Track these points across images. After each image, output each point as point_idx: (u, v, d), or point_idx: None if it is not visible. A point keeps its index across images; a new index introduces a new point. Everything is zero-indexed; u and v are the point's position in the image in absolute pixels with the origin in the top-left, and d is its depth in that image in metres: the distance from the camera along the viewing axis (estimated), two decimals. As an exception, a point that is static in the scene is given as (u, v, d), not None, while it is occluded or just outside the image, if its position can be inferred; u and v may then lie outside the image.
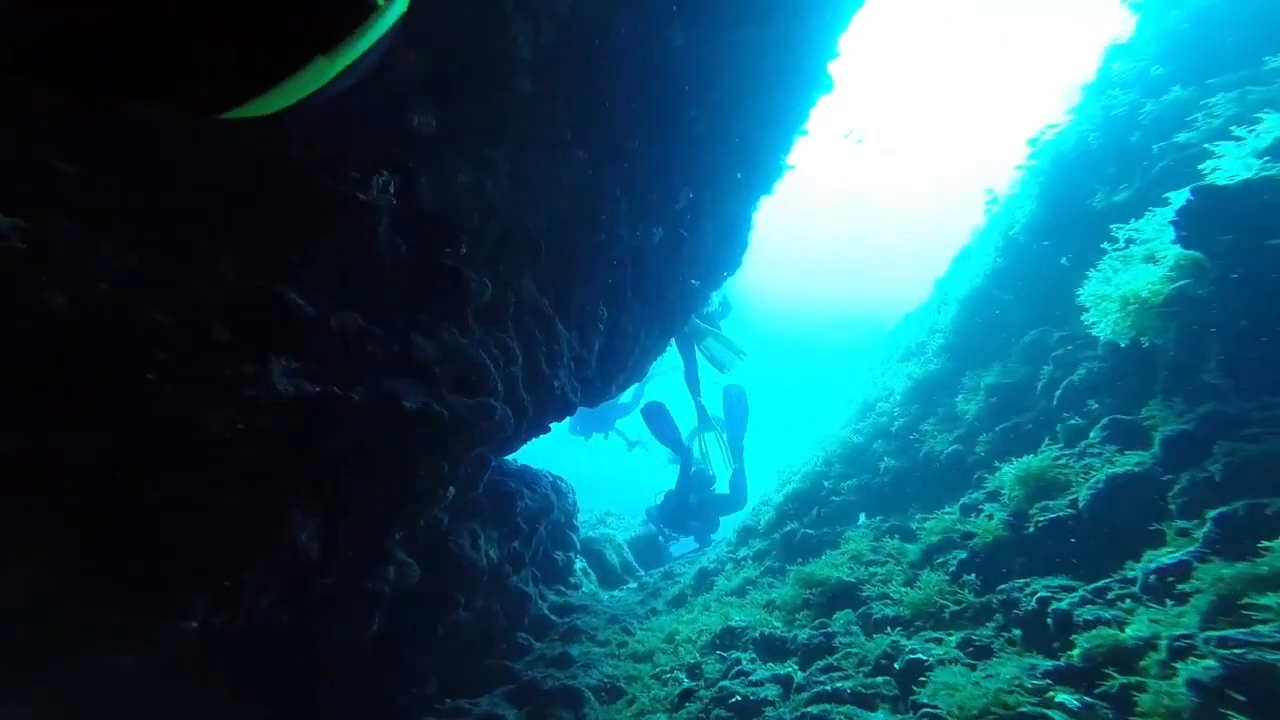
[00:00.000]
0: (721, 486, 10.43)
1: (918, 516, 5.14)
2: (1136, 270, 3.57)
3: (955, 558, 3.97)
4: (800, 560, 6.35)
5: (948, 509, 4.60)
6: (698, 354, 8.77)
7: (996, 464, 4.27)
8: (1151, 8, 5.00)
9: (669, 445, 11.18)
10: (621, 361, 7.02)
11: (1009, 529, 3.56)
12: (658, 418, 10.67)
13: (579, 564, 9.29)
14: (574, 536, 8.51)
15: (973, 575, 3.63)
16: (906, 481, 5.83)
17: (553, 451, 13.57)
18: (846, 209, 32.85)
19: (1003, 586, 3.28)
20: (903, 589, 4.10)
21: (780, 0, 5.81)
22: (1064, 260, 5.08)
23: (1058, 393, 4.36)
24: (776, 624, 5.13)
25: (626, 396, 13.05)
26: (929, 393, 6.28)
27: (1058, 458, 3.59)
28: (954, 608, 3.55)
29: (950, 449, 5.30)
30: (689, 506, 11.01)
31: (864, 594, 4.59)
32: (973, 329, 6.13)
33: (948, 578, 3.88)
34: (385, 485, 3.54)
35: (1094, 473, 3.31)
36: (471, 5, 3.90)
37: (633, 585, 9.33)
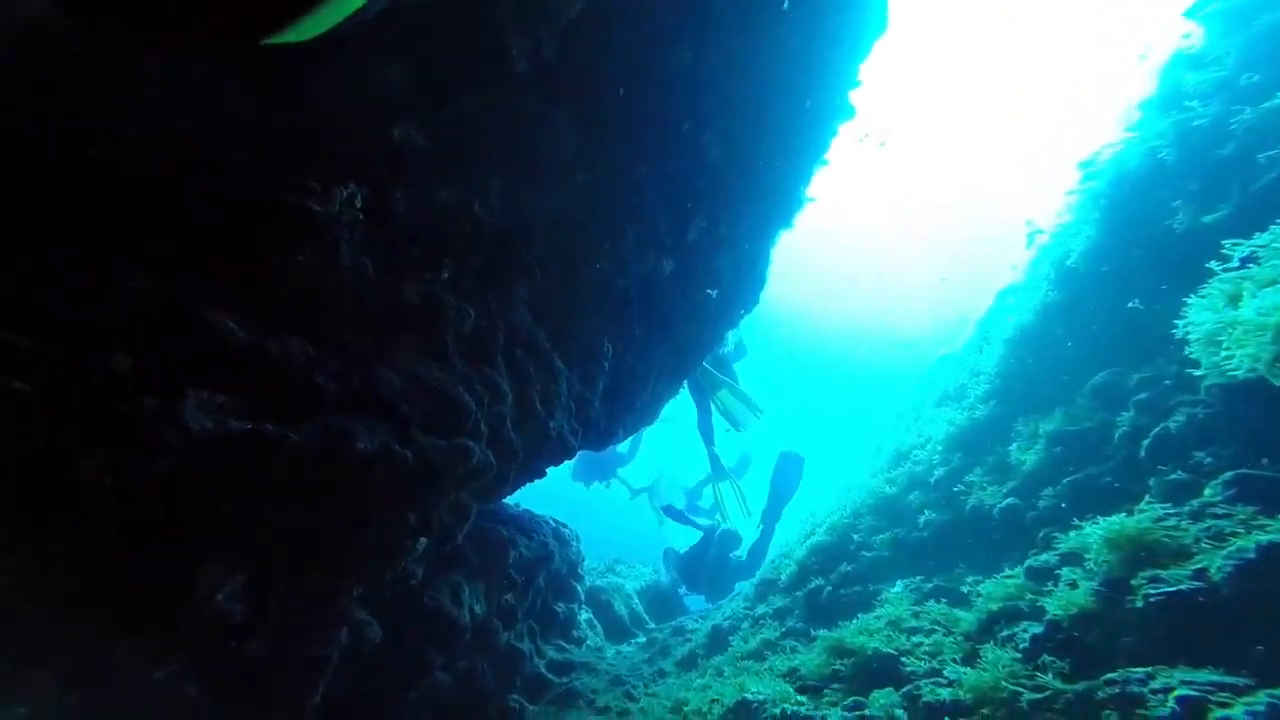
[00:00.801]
0: (744, 548, 9.67)
1: (969, 579, 4.34)
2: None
3: (1026, 631, 3.18)
4: (827, 623, 5.53)
5: (1008, 571, 3.82)
6: (712, 405, 8.13)
7: (1073, 521, 3.51)
8: (1227, 16, 4.44)
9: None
10: (629, 403, 6.42)
11: (1100, 600, 2.79)
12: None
13: (584, 615, 8.51)
14: (578, 587, 7.76)
15: (1055, 655, 2.86)
16: (951, 538, 5.03)
17: (570, 493, 12.92)
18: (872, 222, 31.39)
19: (1111, 676, 2.49)
20: (959, 667, 3.31)
21: (798, 20, 5.41)
22: (1135, 299, 4.39)
23: (1146, 442, 3.62)
24: (801, 700, 4.33)
25: (623, 446, 12.42)
26: (974, 441, 5.52)
27: (1162, 518, 2.84)
28: (1034, 695, 2.76)
29: (1004, 503, 4.52)
30: (708, 563, 10.22)
31: (907, 669, 3.79)
32: (1023, 371, 5.41)
33: (1019, 655, 3.09)
34: (335, 536, 2.96)
35: (1231, 540, 2.56)
36: (463, 12, 3.52)
37: (641, 639, 8.49)
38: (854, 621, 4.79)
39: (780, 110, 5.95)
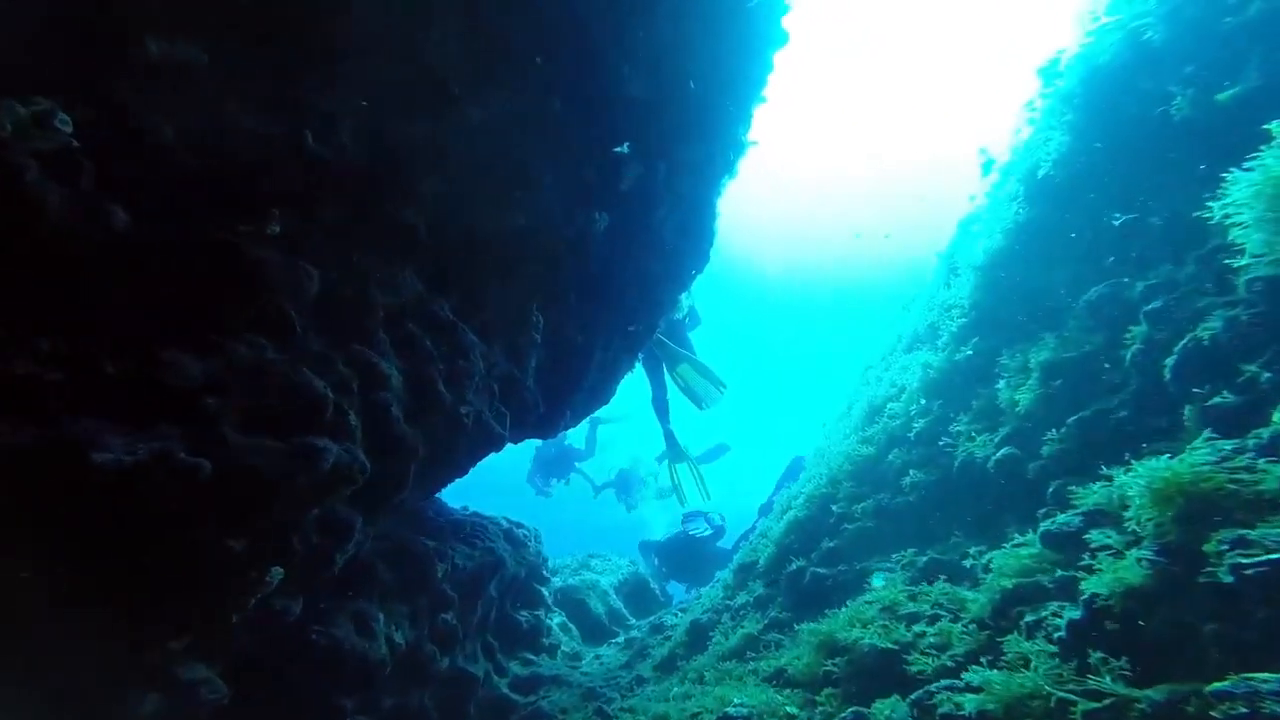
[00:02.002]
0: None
1: (970, 549, 3.57)
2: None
3: (1059, 616, 2.40)
4: (813, 611, 4.73)
5: (1018, 539, 3.04)
6: (670, 381, 7.23)
7: (1091, 470, 2.75)
8: None
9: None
10: (573, 380, 5.51)
11: (1159, 575, 2.01)
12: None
13: (556, 619, 7.62)
14: (543, 590, 6.86)
15: (1105, 649, 2.07)
16: (941, 500, 4.26)
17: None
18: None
19: (1222, 686, 1.68)
20: (980, 668, 2.51)
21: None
22: (1124, 202, 3.63)
23: (1170, 361, 2.84)
24: (793, 713, 3.53)
25: (577, 440, 11.45)
26: (954, 384, 4.75)
27: (1225, 457, 2.07)
28: (1090, 704, 1.97)
29: (999, 454, 3.74)
30: (694, 550, 9.47)
31: (913, 669, 2.99)
32: (1001, 299, 4.64)
33: (1054, 649, 2.31)
34: (112, 587, 2.00)
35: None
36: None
37: (620, 640, 7.63)
38: (843, 610, 4.00)
39: (707, 37, 5.07)
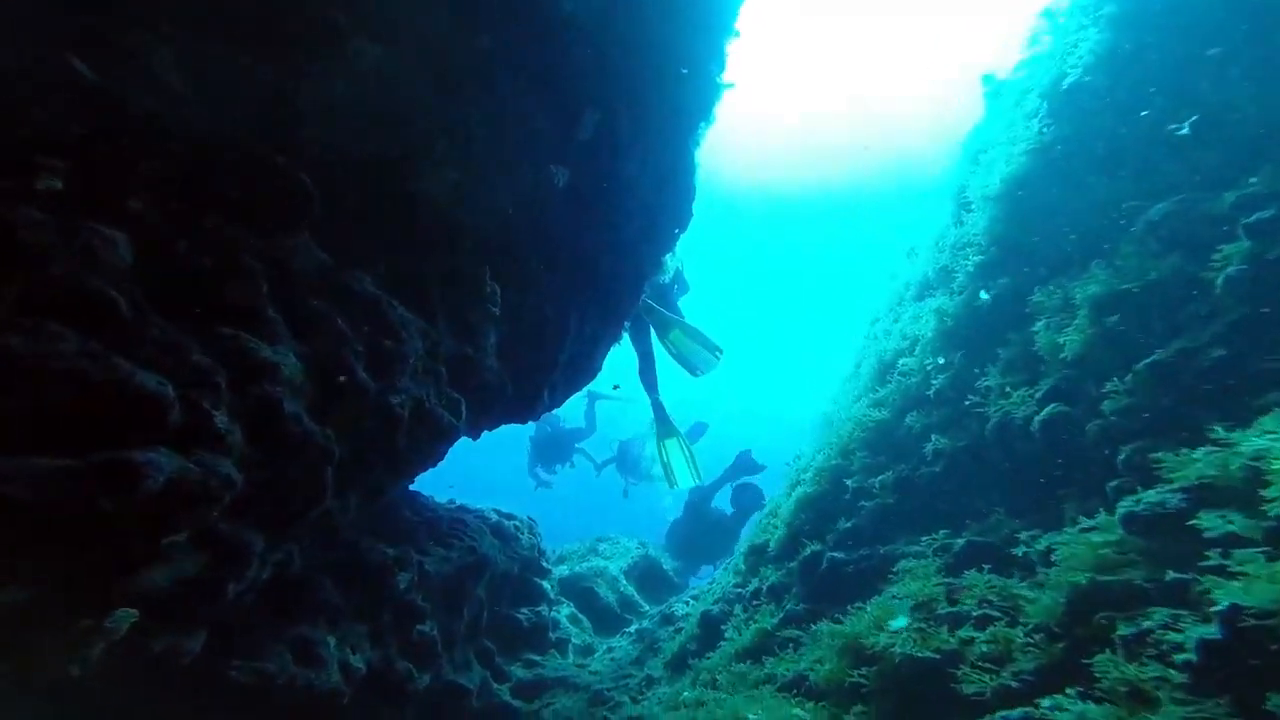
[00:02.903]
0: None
1: (1020, 533, 2.83)
2: None
3: (1172, 628, 1.69)
4: (833, 603, 4.06)
5: (1085, 521, 2.31)
6: (661, 349, 6.47)
7: (1178, 429, 2.00)
8: None
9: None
10: (546, 357, 4.81)
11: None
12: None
13: (564, 610, 7.06)
14: (543, 584, 6.27)
15: (1255, 682, 1.36)
16: (974, 470, 3.53)
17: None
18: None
19: None
20: (1069, 698, 1.81)
21: None
22: (1189, 98, 2.79)
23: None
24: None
25: (573, 417, 10.56)
26: (976, 332, 3.97)
27: None
28: None
29: (1045, 413, 2.98)
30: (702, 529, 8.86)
31: (966, 688, 2.30)
32: (1028, 229, 3.83)
33: (1182, 676, 1.60)
34: None
35: None
36: None
37: (632, 630, 7.06)
38: (868, 607, 3.31)
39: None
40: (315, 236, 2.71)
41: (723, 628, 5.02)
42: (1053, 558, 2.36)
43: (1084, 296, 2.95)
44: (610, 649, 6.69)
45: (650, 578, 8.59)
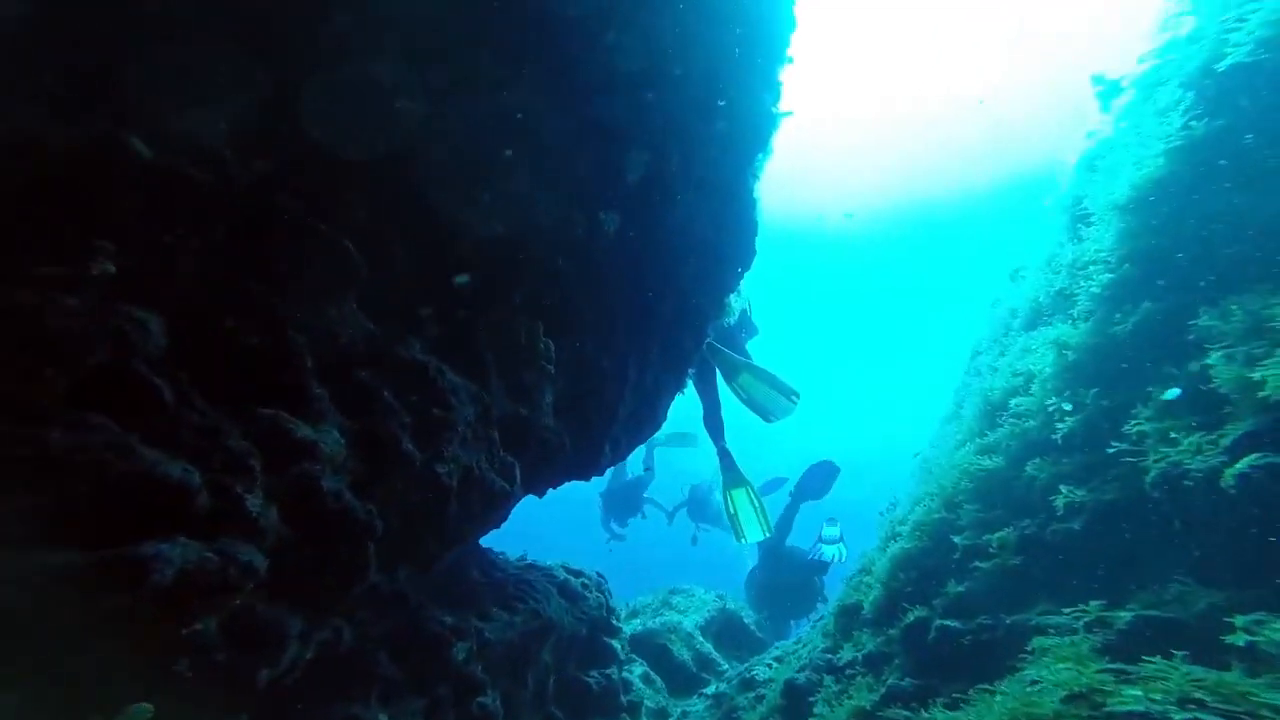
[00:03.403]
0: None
1: (1238, 617, 2.13)
2: None
3: None
4: (947, 679, 3.40)
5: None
6: (725, 391, 6.04)
7: None
8: None
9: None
10: (606, 411, 4.55)
11: None
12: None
13: (636, 671, 6.58)
14: (613, 643, 5.85)
15: None
16: (1127, 531, 2.83)
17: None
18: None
19: None
20: None
21: None
22: None
23: None
24: None
25: (634, 466, 10.08)
26: (1113, 366, 3.28)
27: None
28: None
29: (1245, 464, 2.28)
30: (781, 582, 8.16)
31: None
32: (1173, 241, 3.14)
33: None
34: None
35: None
36: None
37: (710, 691, 6.45)
38: (999, 692, 2.66)
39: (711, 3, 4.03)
40: (363, 305, 2.64)
41: (810, 699, 4.38)
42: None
43: (1292, 310, 2.28)
44: (685, 714, 6.12)
45: (729, 632, 7.93)
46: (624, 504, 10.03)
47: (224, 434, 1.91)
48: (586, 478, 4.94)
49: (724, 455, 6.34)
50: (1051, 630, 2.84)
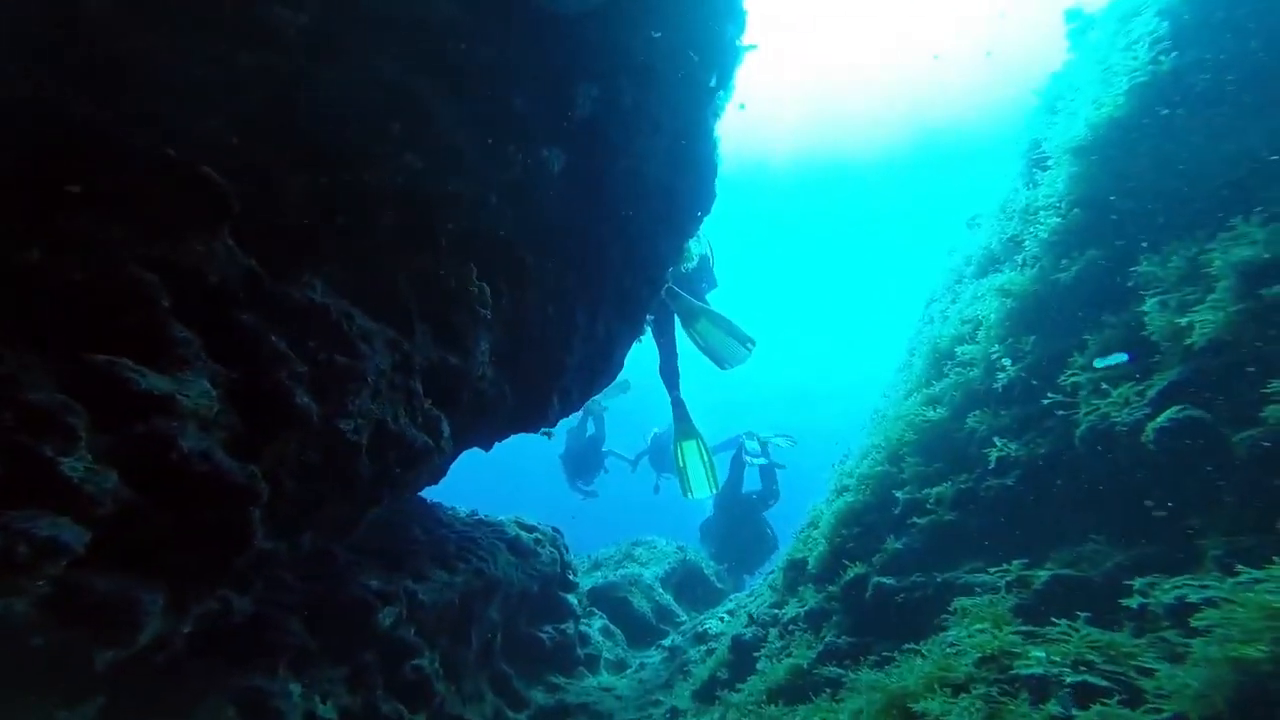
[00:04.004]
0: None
1: (1137, 580, 2.09)
2: None
3: None
4: (881, 636, 3.42)
5: (1251, 572, 1.59)
6: (682, 339, 5.84)
7: None
8: None
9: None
10: (553, 360, 4.32)
11: None
12: None
13: (596, 624, 6.62)
14: (570, 599, 5.84)
15: None
16: (1057, 486, 2.78)
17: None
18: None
19: None
20: None
21: None
22: None
23: None
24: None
25: (571, 423, 9.83)
26: (1054, 312, 3.18)
27: None
28: None
29: (1166, 417, 2.20)
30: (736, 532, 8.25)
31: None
32: (1126, 187, 3.00)
33: None
34: None
35: None
36: None
37: (667, 644, 6.55)
38: (922, 655, 2.64)
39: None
40: (252, 242, 2.31)
41: (755, 654, 4.42)
42: (1195, 618, 1.63)
43: (1226, 264, 2.15)
44: (642, 665, 6.20)
45: (689, 583, 8.04)
46: (585, 463, 9.95)
47: (24, 385, 1.61)
48: (535, 430, 4.75)
49: (677, 405, 6.21)
50: (978, 589, 2.81)
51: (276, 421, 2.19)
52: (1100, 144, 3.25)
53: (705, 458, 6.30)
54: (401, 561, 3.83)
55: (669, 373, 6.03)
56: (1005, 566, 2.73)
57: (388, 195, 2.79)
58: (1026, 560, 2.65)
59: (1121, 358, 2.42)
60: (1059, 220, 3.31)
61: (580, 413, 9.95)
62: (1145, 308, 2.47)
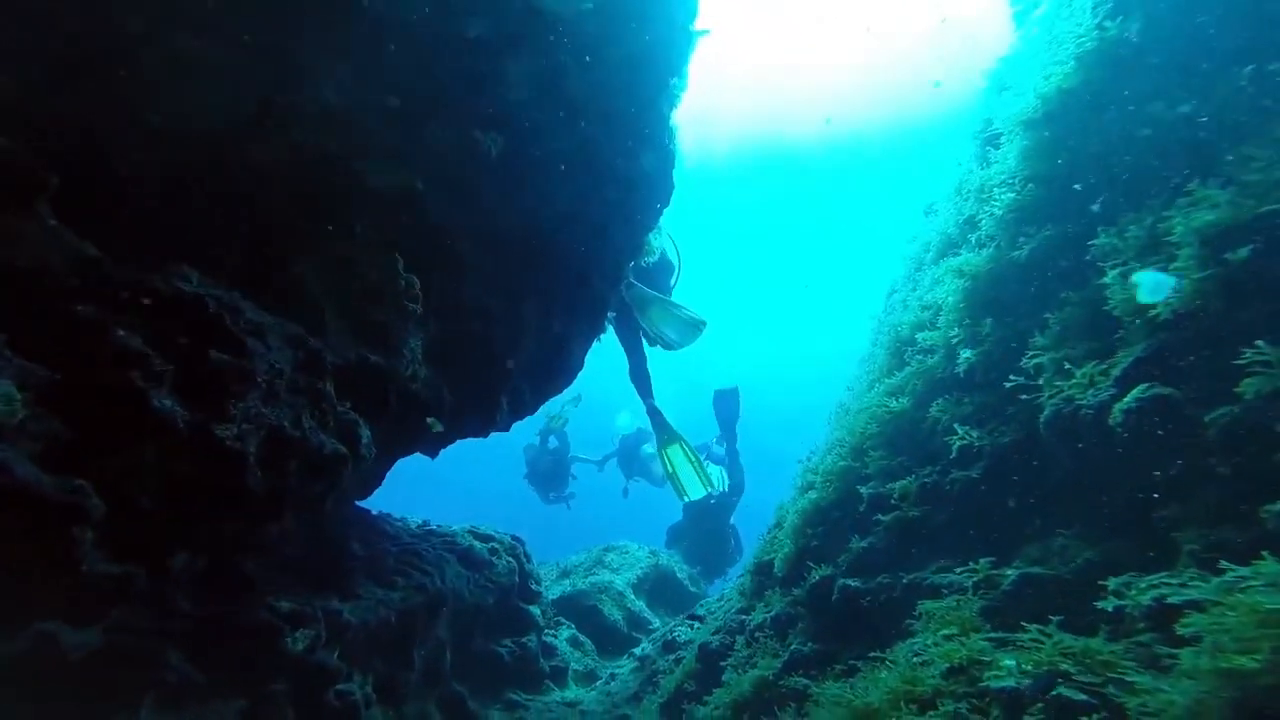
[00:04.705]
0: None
1: (1111, 580, 1.84)
2: None
3: None
4: (846, 643, 3.16)
5: (1236, 569, 1.36)
6: (643, 335, 5.55)
7: None
8: None
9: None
10: (498, 360, 4.00)
11: None
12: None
13: (564, 634, 6.27)
14: (532, 610, 5.48)
15: None
16: (1021, 478, 2.54)
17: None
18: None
19: None
20: None
21: None
22: None
23: None
24: None
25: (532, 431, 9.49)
26: (1012, 292, 2.96)
27: None
28: None
29: (1133, 397, 1.97)
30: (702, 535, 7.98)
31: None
32: (1079, 159, 2.79)
33: None
34: None
35: None
36: None
37: (638, 652, 6.23)
38: (888, 665, 2.39)
39: None
40: (100, 227, 1.96)
41: (722, 664, 4.13)
42: (1180, 623, 1.39)
43: (1187, 229, 1.93)
44: (612, 676, 5.87)
45: (662, 589, 7.73)
46: (552, 477, 9.59)
47: None
48: (484, 434, 4.41)
49: (654, 414, 5.94)
50: (945, 590, 2.56)
51: (124, 429, 1.84)
52: (1051, 115, 3.06)
53: (692, 458, 6.05)
54: (328, 578, 3.46)
55: (640, 377, 5.75)
56: (972, 565, 2.49)
57: (280, 176, 2.46)
58: (994, 558, 2.41)
59: (1169, 282, 1.99)
60: (1013, 196, 3.11)
61: (537, 436, 9.67)
62: (1106, 280, 2.24)
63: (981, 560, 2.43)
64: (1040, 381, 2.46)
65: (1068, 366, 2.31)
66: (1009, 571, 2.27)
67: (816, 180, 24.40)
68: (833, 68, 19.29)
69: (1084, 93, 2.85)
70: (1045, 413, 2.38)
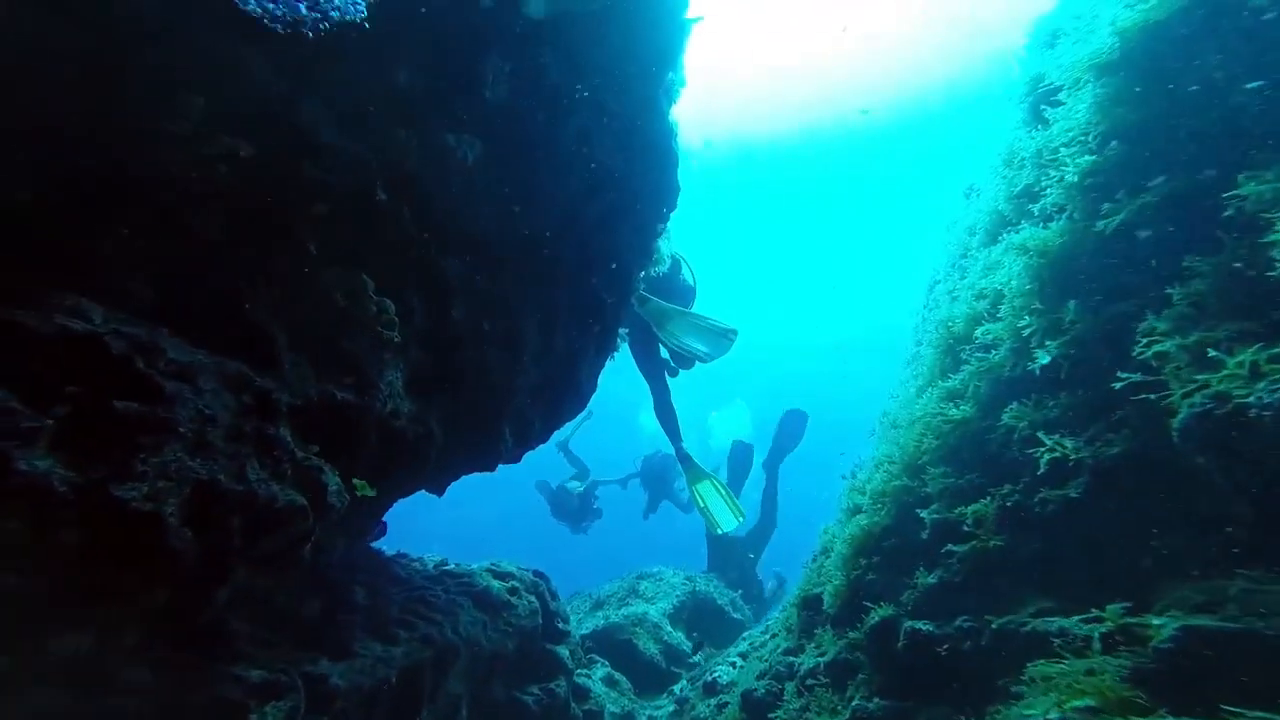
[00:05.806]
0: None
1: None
2: None
3: None
4: (927, 708, 2.50)
5: None
6: (668, 356, 5.02)
7: None
8: None
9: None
10: (497, 384, 3.52)
11: None
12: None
13: (598, 673, 5.68)
14: (559, 650, 4.92)
15: None
16: (1138, 498, 1.87)
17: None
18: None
19: None
20: None
21: None
22: None
23: None
24: None
25: (561, 472, 8.98)
26: (1098, 267, 2.29)
27: None
28: None
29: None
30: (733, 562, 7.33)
31: None
32: (1176, 106, 2.13)
33: None
34: None
35: None
36: None
37: (677, 690, 5.58)
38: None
39: None
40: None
41: (770, 716, 3.47)
42: None
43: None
44: (652, 719, 5.23)
45: (700, 617, 7.03)
46: (580, 511, 9.07)
47: None
48: (487, 469, 3.94)
49: (684, 459, 5.48)
50: (1055, 640, 1.89)
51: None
52: (1137, 55, 2.39)
53: (723, 493, 5.54)
54: (322, 634, 3.01)
55: (665, 414, 5.24)
56: (1097, 611, 1.80)
57: (208, 190, 2.07)
58: (1129, 603, 1.72)
59: None
60: (1092, 158, 2.44)
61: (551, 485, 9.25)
62: (1274, 237, 1.58)
63: (1111, 605, 1.75)
64: (1165, 375, 1.78)
65: (1212, 354, 1.64)
66: (1157, 621, 1.60)
67: (817, 176, 22.74)
68: (821, 56, 18.02)
69: (1182, 22, 2.19)
70: (1181, 415, 1.70)
